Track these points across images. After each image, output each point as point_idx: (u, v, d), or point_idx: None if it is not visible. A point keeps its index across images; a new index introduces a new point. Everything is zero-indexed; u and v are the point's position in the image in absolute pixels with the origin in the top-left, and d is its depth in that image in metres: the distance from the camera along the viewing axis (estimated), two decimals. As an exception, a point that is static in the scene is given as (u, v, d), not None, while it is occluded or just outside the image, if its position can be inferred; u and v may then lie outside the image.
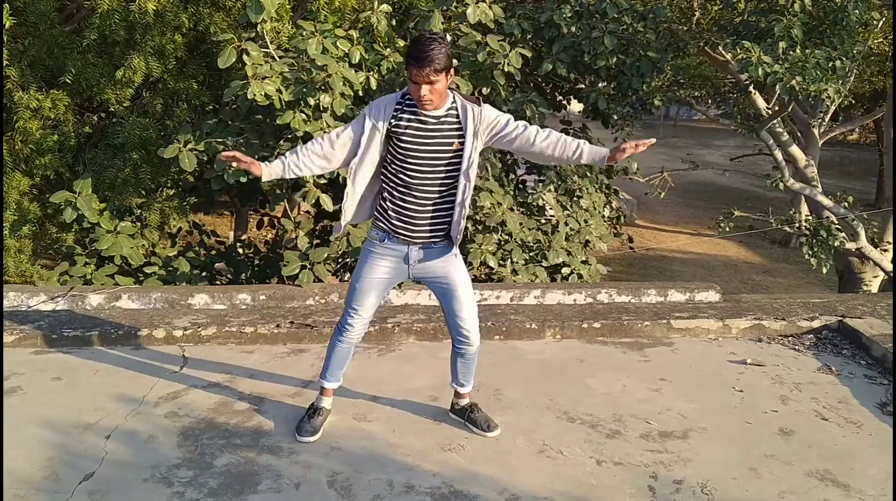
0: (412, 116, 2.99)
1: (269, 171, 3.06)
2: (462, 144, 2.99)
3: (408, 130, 2.99)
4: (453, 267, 3.20)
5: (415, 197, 3.05)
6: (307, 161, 3.07)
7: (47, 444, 3.16)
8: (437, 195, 3.06)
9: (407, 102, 3.02)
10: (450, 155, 3.01)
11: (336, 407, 3.54)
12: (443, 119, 2.99)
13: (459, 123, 3.00)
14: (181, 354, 4.15)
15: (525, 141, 3.07)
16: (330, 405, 3.45)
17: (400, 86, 5.47)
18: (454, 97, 3.02)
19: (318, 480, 2.99)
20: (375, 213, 3.20)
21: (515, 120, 3.10)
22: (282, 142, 5.20)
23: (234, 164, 3.03)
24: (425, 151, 3.00)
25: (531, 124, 3.11)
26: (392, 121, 3.00)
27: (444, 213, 3.10)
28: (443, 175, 3.03)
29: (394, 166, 3.05)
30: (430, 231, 3.11)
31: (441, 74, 2.84)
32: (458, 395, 3.50)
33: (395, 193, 3.08)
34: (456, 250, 3.21)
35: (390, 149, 3.04)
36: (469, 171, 3.02)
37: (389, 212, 3.11)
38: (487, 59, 5.38)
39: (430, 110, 2.96)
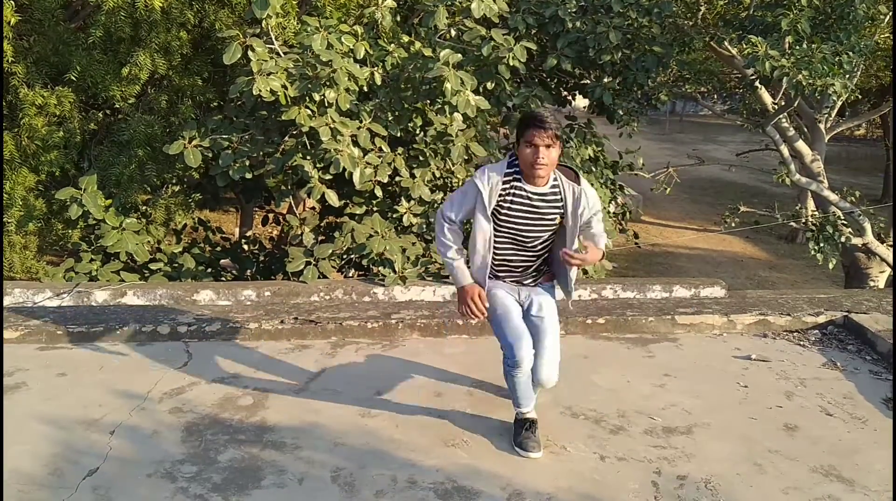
0: (516, 192, 3.08)
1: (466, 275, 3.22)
2: (563, 217, 3.13)
3: (512, 206, 3.09)
4: (549, 307, 3.27)
5: (517, 259, 3.23)
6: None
7: (51, 440, 3.18)
8: (538, 257, 3.25)
9: (514, 177, 3.08)
10: (552, 229, 3.18)
11: (339, 403, 3.55)
12: (546, 196, 3.09)
13: (562, 201, 3.11)
14: (186, 350, 4.16)
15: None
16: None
17: (404, 81, 5.46)
18: (556, 176, 3.10)
19: (321, 475, 3.00)
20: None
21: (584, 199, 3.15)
22: (287, 138, 5.20)
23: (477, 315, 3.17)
24: (527, 225, 3.12)
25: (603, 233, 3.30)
26: (499, 196, 3.07)
27: (545, 266, 3.33)
28: (546, 241, 3.22)
29: (499, 236, 3.16)
30: (534, 278, 3.32)
31: (557, 141, 2.98)
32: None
33: (501, 255, 3.22)
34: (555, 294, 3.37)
35: (495, 221, 3.13)
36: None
37: (497, 271, 3.28)
38: (492, 53, 5.36)
39: (542, 175, 3.03)
